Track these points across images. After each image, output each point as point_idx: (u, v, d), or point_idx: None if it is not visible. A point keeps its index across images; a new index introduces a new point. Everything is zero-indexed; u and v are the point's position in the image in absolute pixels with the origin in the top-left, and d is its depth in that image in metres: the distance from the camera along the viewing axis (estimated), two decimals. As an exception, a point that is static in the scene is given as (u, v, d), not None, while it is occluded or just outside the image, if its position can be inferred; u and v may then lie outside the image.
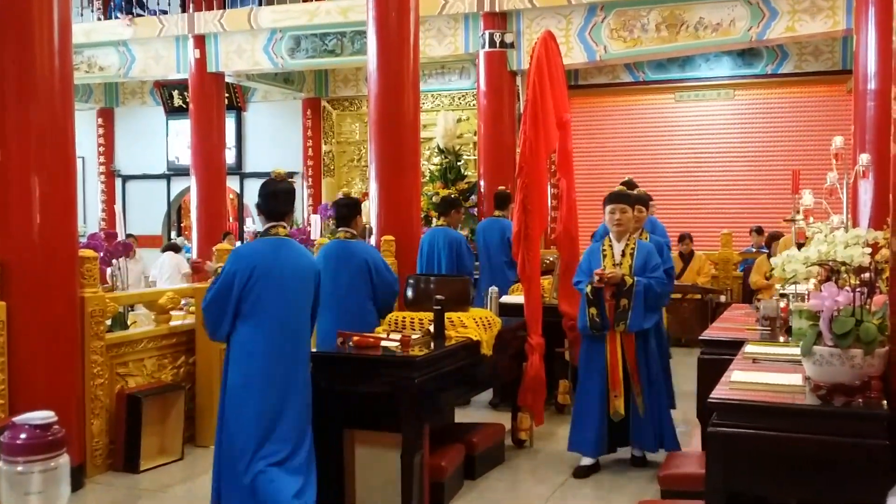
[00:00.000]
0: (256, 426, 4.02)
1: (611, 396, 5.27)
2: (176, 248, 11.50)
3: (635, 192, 6.57)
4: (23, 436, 2.03)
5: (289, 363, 4.11)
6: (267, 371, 4.06)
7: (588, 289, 5.30)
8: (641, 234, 6.06)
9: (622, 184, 6.89)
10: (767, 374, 3.06)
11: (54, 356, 4.98)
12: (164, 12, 13.54)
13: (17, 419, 2.06)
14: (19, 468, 2.00)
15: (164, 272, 10.58)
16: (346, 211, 5.82)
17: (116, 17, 13.61)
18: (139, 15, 13.60)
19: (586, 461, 5.31)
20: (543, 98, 5.82)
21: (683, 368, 7.75)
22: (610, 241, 5.47)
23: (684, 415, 6.23)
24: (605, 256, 5.41)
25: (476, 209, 11.37)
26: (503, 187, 8.47)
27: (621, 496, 4.88)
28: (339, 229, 5.80)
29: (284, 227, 4.24)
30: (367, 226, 7.29)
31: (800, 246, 4.29)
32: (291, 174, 14.78)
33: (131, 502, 4.98)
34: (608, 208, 5.44)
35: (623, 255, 5.38)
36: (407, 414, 4.33)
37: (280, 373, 4.08)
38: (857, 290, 2.74)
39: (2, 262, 4.79)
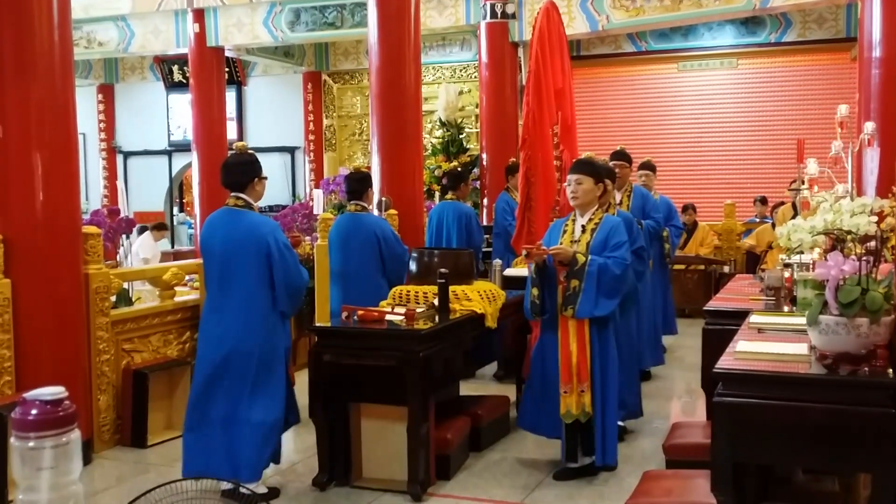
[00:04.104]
0: (193, 388, 4.47)
1: (560, 392, 4.62)
2: (161, 227, 11.39)
3: (601, 161, 6.21)
4: (34, 412, 2.04)
5: (224, 329, 4.33)
6: (204, 336, 4.44)
7: (532, 267, 4.67)
8: (609, 209, 5.71)
9: (613, 153, 6.76)
10: (773, 343, 3.07)
11: (60, 333, 5.00)
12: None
13: (28, 395, 2.07)
14: (31, 444, 2.01)
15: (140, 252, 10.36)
16: (358, 185, 5.95)
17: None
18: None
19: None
20: (546, 69, 5.78)
21: (688, 339, 7.79)
22: (575, 215, 4.83)
23: (688, 384, 6.26)
24: (565, 232, 4.76)
25: (479, 182, 11.34)
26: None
27: (627, 465, 4.90)
28: (351, 202, 5.93)
29: (236, 198, 4.42)
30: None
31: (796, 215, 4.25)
32: (293, 149, 14.85)
33: (139, 477, 5.01)
34: (566, 179, 4.83)
35: (584, 230, 4.71)
36: (412, 387, 4.36)
37: (215, 336, 4.36)
38: (863, 258, 2.74)
39: (6, 239, 4.80)
